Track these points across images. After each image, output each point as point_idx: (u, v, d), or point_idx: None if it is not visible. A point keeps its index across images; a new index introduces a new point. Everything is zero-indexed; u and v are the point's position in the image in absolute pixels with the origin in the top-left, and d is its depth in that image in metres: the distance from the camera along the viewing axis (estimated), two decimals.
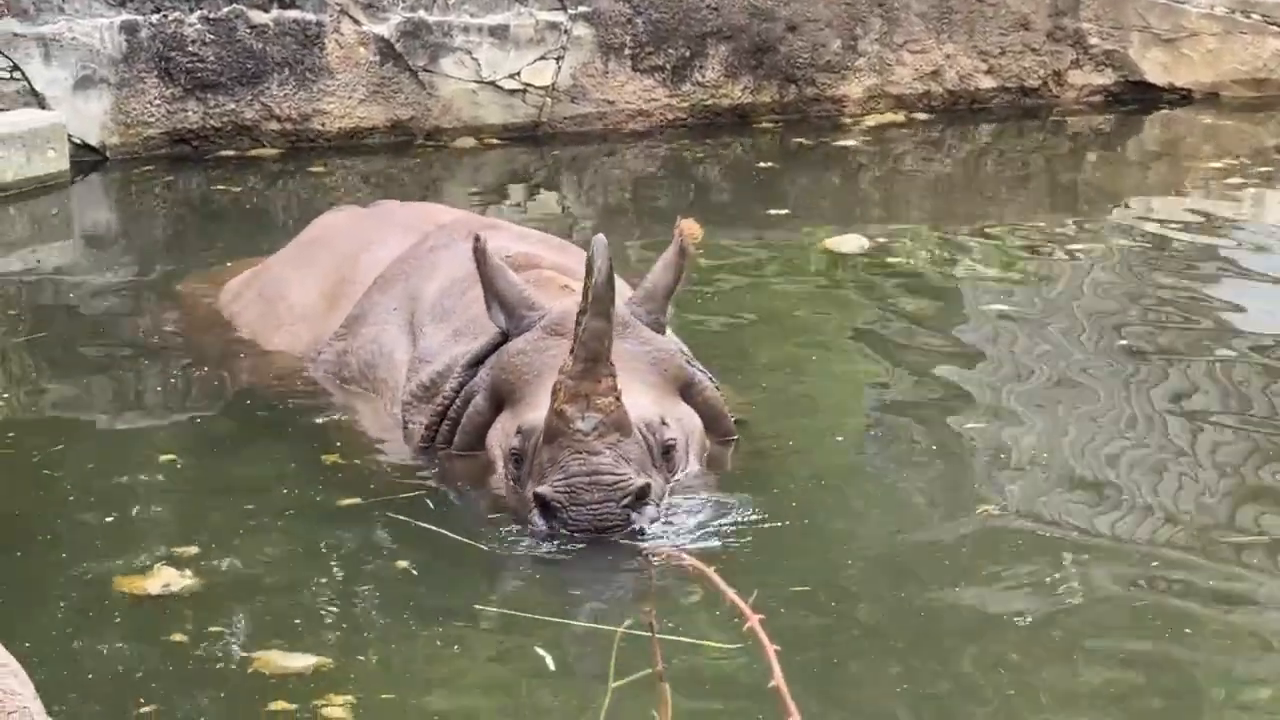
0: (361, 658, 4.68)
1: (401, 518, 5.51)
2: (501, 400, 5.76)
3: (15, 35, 10.52)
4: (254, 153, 10.84)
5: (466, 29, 11.11)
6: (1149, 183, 10.62)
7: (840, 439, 6.30)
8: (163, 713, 4.42)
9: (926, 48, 11.78)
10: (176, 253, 9.11)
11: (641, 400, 5.53)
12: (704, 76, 11.48)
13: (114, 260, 9.13)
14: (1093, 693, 4.48)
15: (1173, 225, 9.27)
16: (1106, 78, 12.07)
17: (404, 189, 10.19)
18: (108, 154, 10.67)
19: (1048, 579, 5.10)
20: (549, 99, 11.28)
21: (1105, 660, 4.65)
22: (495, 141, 11.16)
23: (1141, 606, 4.93)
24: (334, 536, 5.46)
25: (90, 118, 10.62)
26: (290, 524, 5.55)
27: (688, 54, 11.43)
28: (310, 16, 10.90)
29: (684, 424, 5.73)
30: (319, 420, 6.36)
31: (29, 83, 10.53)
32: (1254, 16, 12.02)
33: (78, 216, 10.03)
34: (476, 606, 4.99)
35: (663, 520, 5.33)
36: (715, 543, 5.28)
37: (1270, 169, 10.47)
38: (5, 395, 6.82)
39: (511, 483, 5.54)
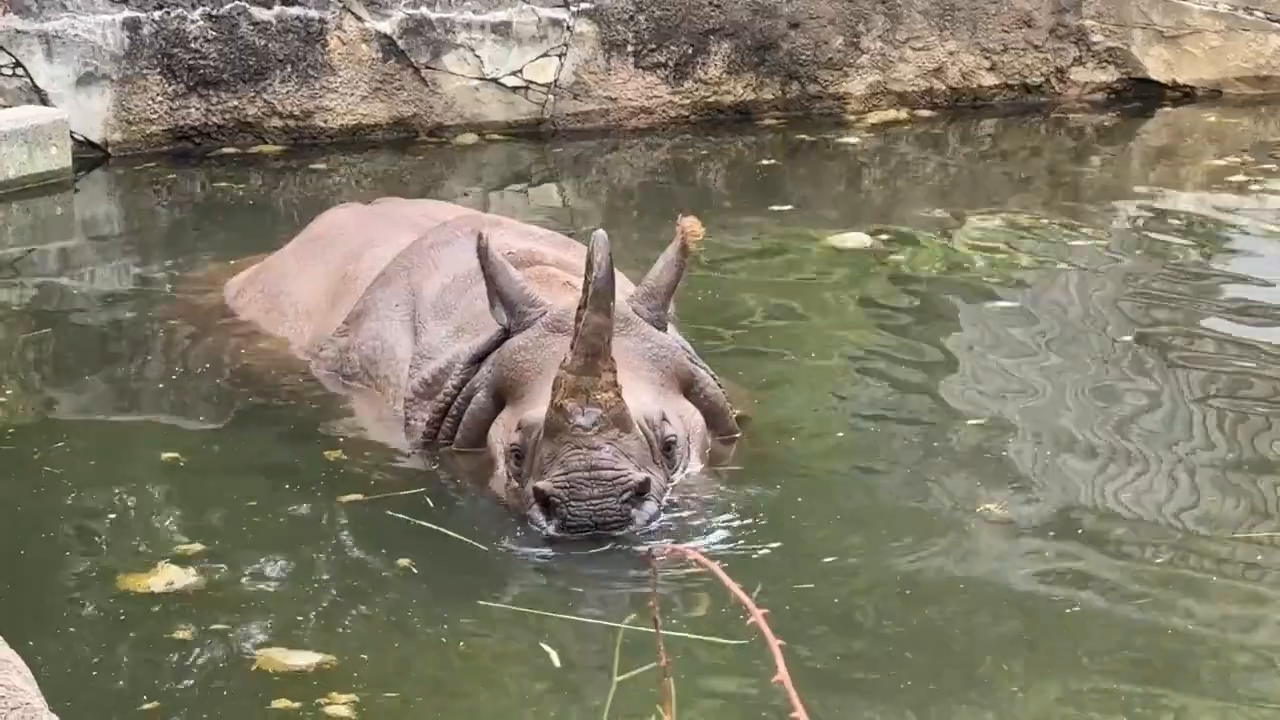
0: (364, 655, 4.67)
1: (403, 515, 5.51)
2: (503, 397, 5.75)
3: (17, 32, 10.51)
4: (256, 150, 10.82)
5: (469, 26, 11.10)
6: (1151, 180, 10.60)
7: (842, 436, 6.29)
8: (166, 710, 4.43)
9: (929, 45, 11.77)
10: (178, 249, 9.10)
11: (642, 396, 5.53)
12: (706, 73, 11.46)
13: (116, 257, 9.12)
14: (1096, 691, 4.48)
15: (1175, 222, 9.27)
16: (1109, 75, 12.05)
17: (406, 186, 10.18)
18: (110, 151, 10.66)
19: (1050, 578, 5.10)
20: (551, 96, 11.27)
21: (1107, 660, 4.65)
22: (497, 138, 11.15)
23: (1145, 605, 4.93)
24: (336, 533, 5.46)
25: (92, 114, 10.61)
26: (293, 521, 5.56)
27: (690, 51, 11.41)
28: (313, 13, 10.89)
29: (685, 420, 5.73)
30: (321, 417, 6.36)
31: (31, 79, 10.51)
32: (1257, 13, 12.00)
33: (80, 213, 10.02)
34: (479, 603, 4.99)
35: (664, 516, 5.33)
36: (717, 539, 5.28)
37: (1273, 166, 10.45)
38: (7, 393, 6.81)
39: (512, 479, 5.53)
